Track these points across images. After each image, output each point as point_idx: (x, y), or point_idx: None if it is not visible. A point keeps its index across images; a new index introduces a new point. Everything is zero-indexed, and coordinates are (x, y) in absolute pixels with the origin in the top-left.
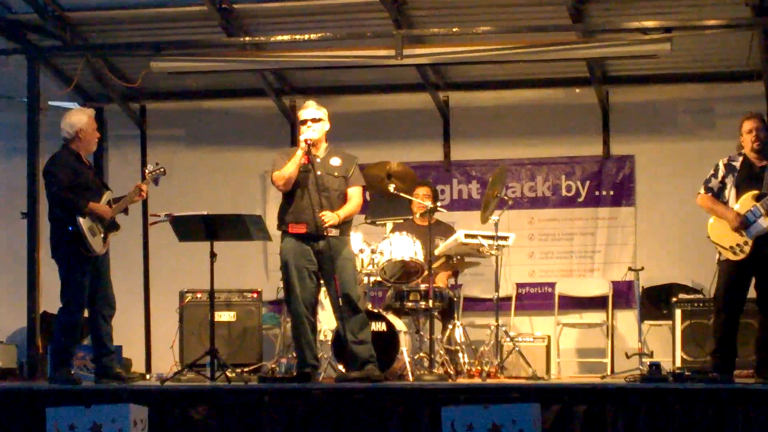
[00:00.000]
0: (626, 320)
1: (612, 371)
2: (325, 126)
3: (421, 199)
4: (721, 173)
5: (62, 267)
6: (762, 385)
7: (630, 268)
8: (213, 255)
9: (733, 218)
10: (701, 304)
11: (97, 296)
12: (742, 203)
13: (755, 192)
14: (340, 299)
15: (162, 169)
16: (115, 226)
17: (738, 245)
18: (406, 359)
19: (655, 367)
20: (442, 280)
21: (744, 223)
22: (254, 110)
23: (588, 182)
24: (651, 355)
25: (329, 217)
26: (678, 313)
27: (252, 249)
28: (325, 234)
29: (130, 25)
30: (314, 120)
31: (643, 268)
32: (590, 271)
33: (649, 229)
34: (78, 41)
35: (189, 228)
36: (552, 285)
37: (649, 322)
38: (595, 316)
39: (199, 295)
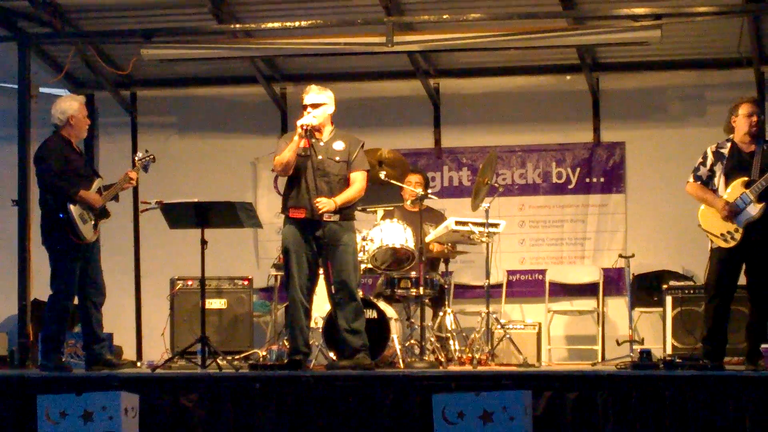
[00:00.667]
0: (617, 307)
1: (603, 358)
2: (328, 110)
3: (412, 186)
4: (709, 161)
5: (52, 254)
6: (752, 372)
7: (620, 255)
8: (204, 242)
9: (722, 207)
10: (692, 291)
11: (87, 283)
12: (732, 190)
13: (745, 179)
14: (332, 286)
15: (151, 156)
16: (105, 214)
17: (729, 232)
18: (397, 346)
19: (646, 354)
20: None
21: (733, 211)
22: (245, 97)
23: (578, 169)
24: (641, 342)
25: (323, 204)
26: (668, 300)
27: (243, 236)
28: (323, 220)
29: (121, 12)
30: (314, 105)
31: (633, 255)
32: (581, 258)
33: (640, 216)
34: (69, 28)
35: (180, 215)
36: (542, 272)
37: (639, 309)
38: (586, 303)
39: (189, 283)
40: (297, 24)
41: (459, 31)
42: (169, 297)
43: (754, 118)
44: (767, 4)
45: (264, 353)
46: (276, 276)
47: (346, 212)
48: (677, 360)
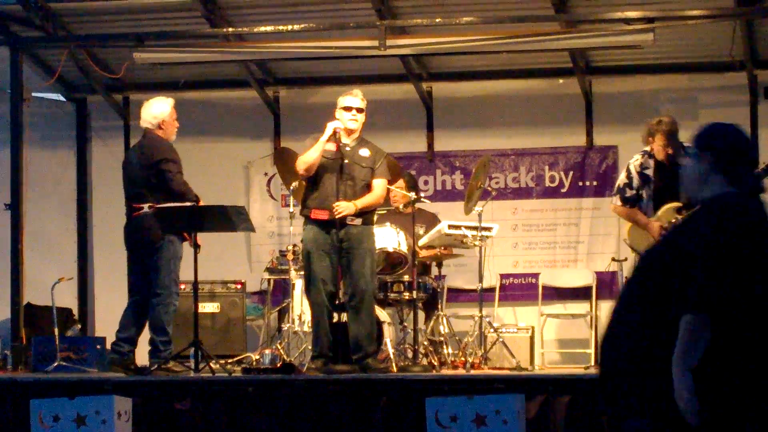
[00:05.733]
0: (610, 311)
1: (596, 362)
2: (363, 117)
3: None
4: (635, 183)
5: (163, 254)
6: None
7: (613, 259)
8: (196, 246)
9: (657, 233)
10: None
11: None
12: (663, 214)
13: (676, 204)
14: (349, 290)
15: None
16: None
17: None
18: (390, 350)
19: None
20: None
21: None
22: (238, 101)
23: (571, 173)
24: None
25: (343, 207)
26: None
27: (235, 240)
28: (347, 222)
29: (113, 16)
30: (359, 110)
31: (626, 259)
32: (574, 261)
33: None
34: (61, 32)
35: (172, 219)
36: (535, 276)
37: None
38: (579, 307)
39: (182, 287)
40: (290, 28)
41: (452, 35)
42: None
43: (670, 150)
44: (760, 7)
45: (257, 357)
46: (269, 280)
47: (366, 217)
48: None
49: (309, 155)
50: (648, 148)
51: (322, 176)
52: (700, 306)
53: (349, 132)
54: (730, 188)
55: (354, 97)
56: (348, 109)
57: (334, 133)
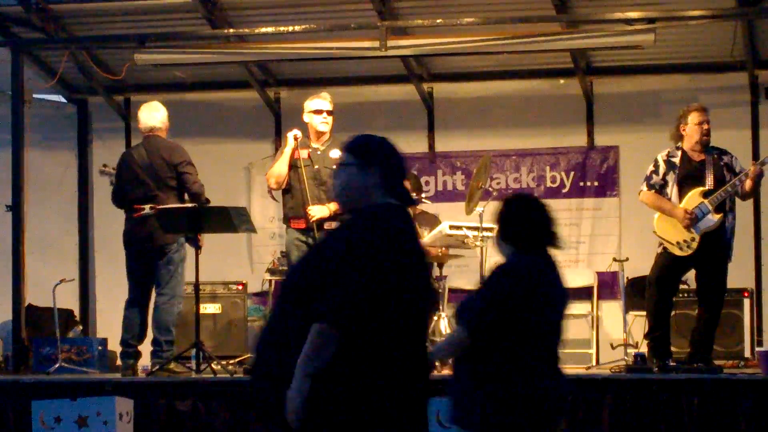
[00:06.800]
0: (611, 311)
1: (597, 362)
2: (332, 120)
3: None
4: (662, 170)
5: (174, 256)
6: (747, 375)
7: (615, 259)
8: (198, 247)
9: (682, 217)
10: (685, 295)
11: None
12: (689, 200)
13: (702, 189)
14: None
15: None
16: None
17: (685, 241)
18: None
19: (640, 357)
20: None
21: (693, 221)
22: (239, 102)
23: (572, 173)
24: (636, 345)
25: (315, 212)
26: None
27: (237, 241)
28: (324, 228)
29: (114, 17)
30: (329, 112)
31: (627, 259)
32: (575, 262)
33: (634, 220)
34: (62, 33)
35: (173, 220)
36: None
37: (633, 312)
38: (580, 307)
39: (184, 288)
40: (290, 29)
41: (452, 35)
42: None
43: (705, 126)
44: (761, 8)
45: None
46: (270, 281)
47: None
48: (671, 363)
49: (277, 168)
50: (678, 144)
51: (294, 185)
52: (332, 320)
53: (320, 135)
54: (389, 200)
55: (323, 100)
56: (318, 112)
57: (296, 140)
